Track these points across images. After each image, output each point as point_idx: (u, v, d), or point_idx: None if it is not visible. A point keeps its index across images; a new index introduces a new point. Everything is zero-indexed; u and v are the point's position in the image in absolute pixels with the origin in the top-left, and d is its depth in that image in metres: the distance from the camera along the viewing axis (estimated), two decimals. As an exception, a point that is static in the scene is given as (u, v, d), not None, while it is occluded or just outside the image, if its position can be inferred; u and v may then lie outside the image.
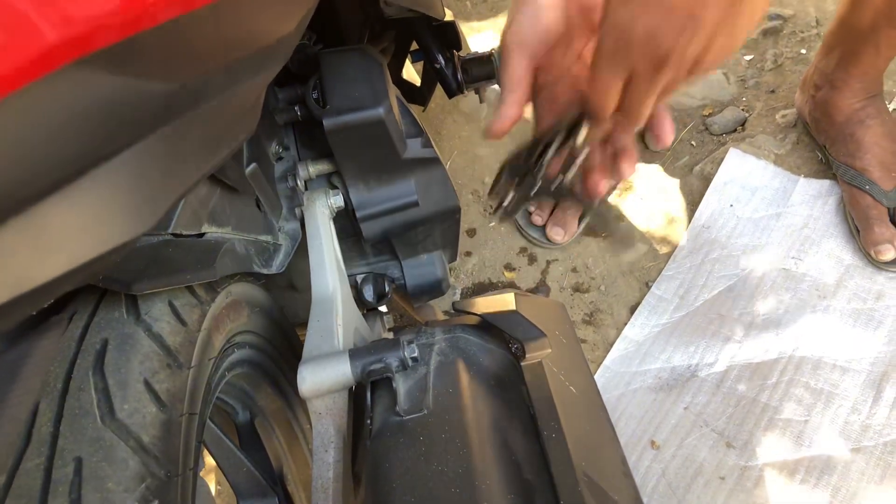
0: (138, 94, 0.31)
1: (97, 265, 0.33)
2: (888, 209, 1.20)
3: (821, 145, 1.31)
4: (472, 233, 1.43)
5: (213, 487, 1.08)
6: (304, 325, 0.71)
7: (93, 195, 0.31)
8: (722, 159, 1.38)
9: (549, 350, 0.65)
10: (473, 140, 1.54)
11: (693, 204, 1.36)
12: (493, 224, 1.43)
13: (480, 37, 1.71)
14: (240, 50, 0.40)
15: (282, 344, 0.78)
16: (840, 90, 1.21)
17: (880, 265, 1.21)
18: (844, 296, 1.20)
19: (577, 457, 0.53)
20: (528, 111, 0.60)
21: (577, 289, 1.32)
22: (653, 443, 1.11)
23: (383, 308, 0.98)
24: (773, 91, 1.45)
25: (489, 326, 0.69)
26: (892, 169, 1.20)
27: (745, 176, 1.35)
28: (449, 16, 0.84)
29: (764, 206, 1.32)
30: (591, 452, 0.56)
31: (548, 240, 1.36)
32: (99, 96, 0.28)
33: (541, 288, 1.32)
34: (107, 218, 0.32)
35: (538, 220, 1.36)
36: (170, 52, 0.32)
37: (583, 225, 1.37)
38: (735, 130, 1.42)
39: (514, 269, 1.37)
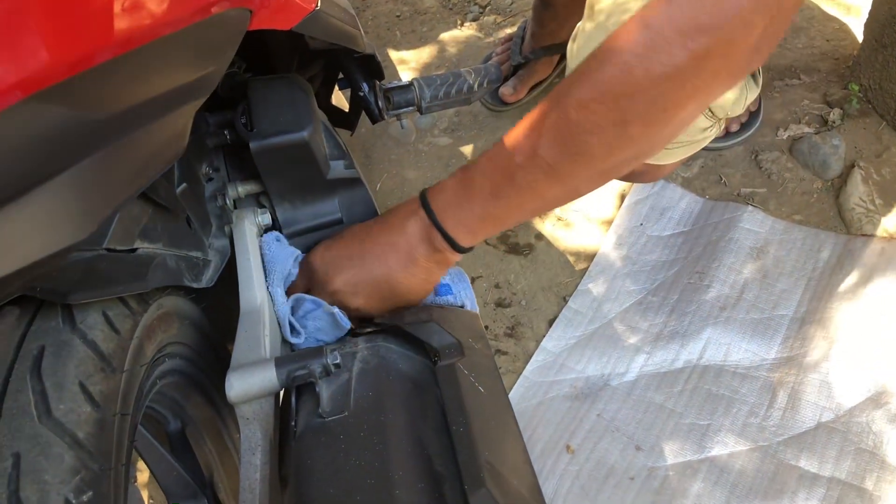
0: (79, 122, 0.36)
1: (40, 268, 0.37)
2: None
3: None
4: (400, 252, 1.48)
5: (146, 499, 1.10)
6: (233, 339, 0.75)
7: (38, 207, 0.36)
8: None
9: (461, 355, 0.71)
10: (402, 163, 1.61)
11: (607, 223, 1.45)
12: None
13: (408, 66, 1.78)
14: (166, 86, 0.45)
15: (211, 356, 0.82)
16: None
17: None
18: (743, 307, 1.30)
19: (482, 447, 0.59)
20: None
21: (499, 304, 1.38)
22: (568, 447, 1.18)
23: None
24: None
25: (408, 335, 0.74)
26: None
27: (654, 197, 1.45)
28: (371, 49, 0.90)
29: (671, 226, 1.42)
30: (495, 444, 0.62)
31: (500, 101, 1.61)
32: (46, 125, 0.33)
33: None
34: (49, 227, 0.37)
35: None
36: (104, 88, 0.37)
37: (534, 93, 1.61)
38: (646, 155, 1.52)
39: (440, 287, 1.43)
